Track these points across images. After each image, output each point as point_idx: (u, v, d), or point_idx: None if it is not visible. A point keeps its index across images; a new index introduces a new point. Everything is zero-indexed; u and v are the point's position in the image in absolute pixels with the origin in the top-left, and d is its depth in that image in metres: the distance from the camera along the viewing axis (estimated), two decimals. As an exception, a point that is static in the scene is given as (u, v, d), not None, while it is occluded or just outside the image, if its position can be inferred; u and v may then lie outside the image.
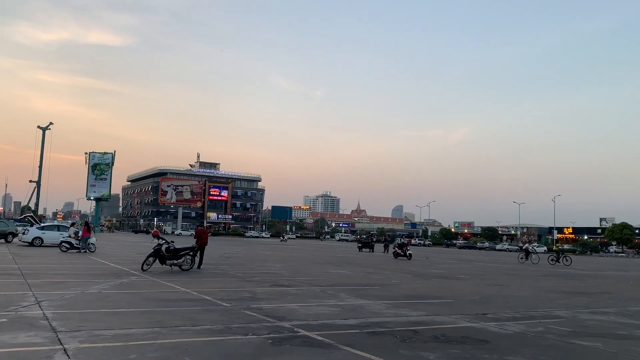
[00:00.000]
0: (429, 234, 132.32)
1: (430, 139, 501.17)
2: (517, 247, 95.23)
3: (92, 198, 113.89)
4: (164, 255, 16.57)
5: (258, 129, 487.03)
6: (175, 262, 16.80)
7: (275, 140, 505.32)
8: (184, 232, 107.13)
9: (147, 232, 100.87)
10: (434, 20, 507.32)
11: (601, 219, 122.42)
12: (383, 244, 48.49)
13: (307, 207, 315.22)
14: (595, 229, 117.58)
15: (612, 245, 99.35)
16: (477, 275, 21.15)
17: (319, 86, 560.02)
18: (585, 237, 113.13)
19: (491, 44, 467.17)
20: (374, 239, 51.22)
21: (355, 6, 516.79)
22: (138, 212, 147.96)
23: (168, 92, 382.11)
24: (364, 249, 47.93)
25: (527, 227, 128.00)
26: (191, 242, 18.53)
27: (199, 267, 18.25)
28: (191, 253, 17.37)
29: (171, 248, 16.74)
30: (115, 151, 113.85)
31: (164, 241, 16.76)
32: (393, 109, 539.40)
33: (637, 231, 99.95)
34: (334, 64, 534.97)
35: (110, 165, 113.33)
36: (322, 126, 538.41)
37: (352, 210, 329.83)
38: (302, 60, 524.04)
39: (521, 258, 37.21)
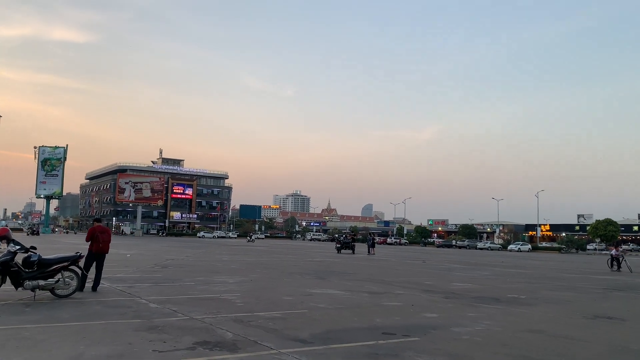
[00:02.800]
0: (405, 232, 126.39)
1: (399, 139, 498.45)
2: (498, 247, 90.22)
3: (42, 196, 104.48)
4: (19, 271, 9.27)
5: (227, 127, 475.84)
6: (42, 283, 9.50)
7: (244, 139, 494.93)
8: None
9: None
10: (402, 20, 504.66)
11: (579, 216, 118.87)
12: (367, 244, 41.58)
13: (277, 207, 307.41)
14: (573, 225, 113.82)
15: (596, 242, 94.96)
16: (571, 302, 12.64)
17: (289, 86, 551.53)
18: (564, 234, 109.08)
19: (460, 43, 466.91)
20: (355, 238, 44.12)
21: (325, 6, 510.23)
22: (96, 212, 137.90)
23: (134, 90, 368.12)
24: (343, 250, 41.01)
25: (503, 225, 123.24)
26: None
27: (94, 288, 10.98)
28: (73, 267, 10.07)
29: (33, 259, 9.45)
30: (67, 145, 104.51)
31: (18, 247, 9.43)
32: (362, 109, 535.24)
33: (622, 228, 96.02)
34: (304, 64, 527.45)
35: (62, 160, 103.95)
36: (291, 125, 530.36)
37: (323, 209, 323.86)
38: (272, 59, 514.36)
39: (612, 266, 28.45)
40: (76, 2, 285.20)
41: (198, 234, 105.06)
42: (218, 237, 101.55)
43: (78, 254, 10.23)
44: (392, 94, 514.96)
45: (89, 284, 11.09)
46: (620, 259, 27.93)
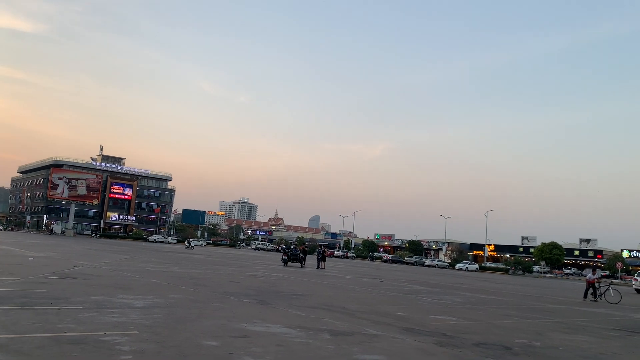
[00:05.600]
0: (353, 245, 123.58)
1: (349, 153, 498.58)
2: (446, 265, 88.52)
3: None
4: None
5: (175, 130, 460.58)
6: None
7: (193, 143, 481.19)
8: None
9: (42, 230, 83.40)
10: (359, 35, 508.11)
11: (523, 237, 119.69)
12: (317, 258, 37.75)
13: (223, 213, 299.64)
14: (517, 247, 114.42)
15: (541, 264, 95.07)
16: (605, 354, 9.24)
17: (243, 92, 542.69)
18: (508, 255, 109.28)
19: (413, 62, 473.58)
20: (306, 251, 40.04)
21: (283, 15, 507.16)
22: (27, 208, 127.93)
23: (79, 85, 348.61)
24: (290, 263, 37.06)
25: (449, 243, 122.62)
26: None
27: None
28: None
29: None
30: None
31: None
32: (315, 122, 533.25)
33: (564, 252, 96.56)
34: (260, 72, 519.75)
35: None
36: (242, 132, 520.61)
37: (270, 219, 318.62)
38: (227, 65, 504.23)
39: (591, 294, 25.10)
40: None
41: (149, 238, 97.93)
42: (156, 241, 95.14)
43: None
44: (346, 108, 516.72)
45: None
46: (597, 286, 25.24)
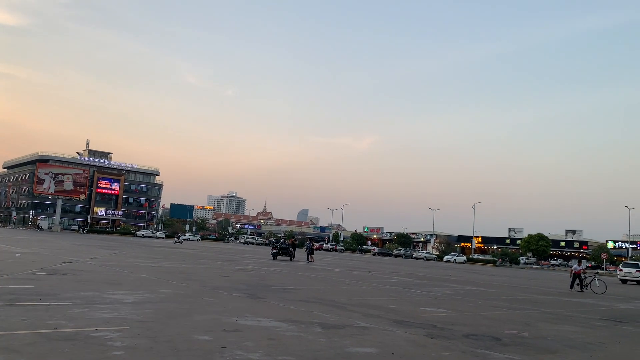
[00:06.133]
0: (342, 238, 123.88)
1: (338, 146, 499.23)
2: (434, 257, 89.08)
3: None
4: None
5: (162, 124, 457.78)
6: None
7: (180, 137, 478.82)
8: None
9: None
10: (347, 27, 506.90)
11: (510, 229, 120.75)
12: (306, 251, 37.81)
13: (211, 207, 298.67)
14: (504, 239, 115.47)
15: (528, 256, 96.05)
16: (592, 344, 9.36)
17: (231, 85, 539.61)
18: (495, 247, 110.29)
19: (401, 55, 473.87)
20: (295, 244, 40.12)
21: (271, 8, 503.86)
22: (12, 203, 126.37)
23: (64, 78, 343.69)
24: (280, 257, 37.09)
25: (437, 235, 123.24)
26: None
27: None
28: None
29: None
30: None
31: None
32: (303, 115, 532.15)
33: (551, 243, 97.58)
34: (247, 65, 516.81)
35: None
36: (230, 126, 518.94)
37: (258, 212, 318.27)
38: (214, 58, 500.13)
39: (577, 285, 25.36)
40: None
41: (136, 233, 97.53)
42: (144, 236, 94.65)
43: None
44: (333, 101, 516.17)
45: None
46: (583, 277, 25.55)
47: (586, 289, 25.12)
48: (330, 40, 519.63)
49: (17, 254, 22.95)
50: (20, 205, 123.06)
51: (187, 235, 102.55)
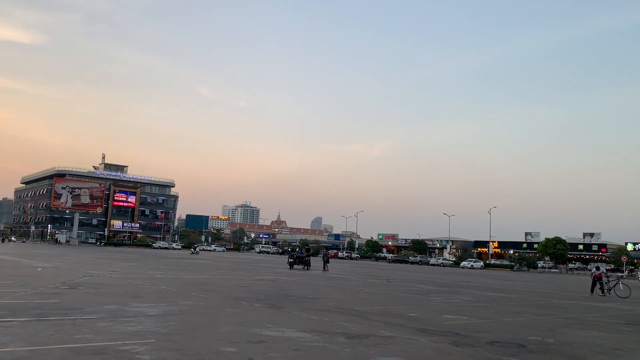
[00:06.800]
0: (356, 246, 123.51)
1: (351, 153, 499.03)
2: (451, 263, 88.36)
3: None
4: None
5: (176, 135, 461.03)
6: None
7: (194, 148, 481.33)
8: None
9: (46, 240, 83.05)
10: (355, 37, 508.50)
11: (527, 234, 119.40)
12: (322, 260, 37.76)
13: (226, 217, 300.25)
14: (521, 243, 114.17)
15: (546, 260, 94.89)
16: (620, 350, 9.28)
17: (243, 97, 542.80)
18: (512, 252, 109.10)
19: (411, 60, 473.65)
20: (311, 253, 40.17)
21: (279, 20, 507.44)
22: (31, 218, 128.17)
23: (79, 94, 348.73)
24: (296, 266, 37.14)
25: (453, 241, 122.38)
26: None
27: None
28: None
29: None
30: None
31: None
32: (314, 123, 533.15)
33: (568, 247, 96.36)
34: (259, 76, 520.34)
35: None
36: (243, 136, 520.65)
37: (272, 221, 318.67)
38: (227, 70, 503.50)
39: (599, 289, 24.95)
40: (25, 1, 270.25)
41: (154, 245, 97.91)
42: (161, 247, 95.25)
43: None
44: (346, 109, 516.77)
45: None
46: (605, 280, 25.21)
47: (609, 292, 24.78)
48: (340, 48, 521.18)
49: (38, 269, 23.26)
50: (38, 219, 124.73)
51: (213, 246, 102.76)
